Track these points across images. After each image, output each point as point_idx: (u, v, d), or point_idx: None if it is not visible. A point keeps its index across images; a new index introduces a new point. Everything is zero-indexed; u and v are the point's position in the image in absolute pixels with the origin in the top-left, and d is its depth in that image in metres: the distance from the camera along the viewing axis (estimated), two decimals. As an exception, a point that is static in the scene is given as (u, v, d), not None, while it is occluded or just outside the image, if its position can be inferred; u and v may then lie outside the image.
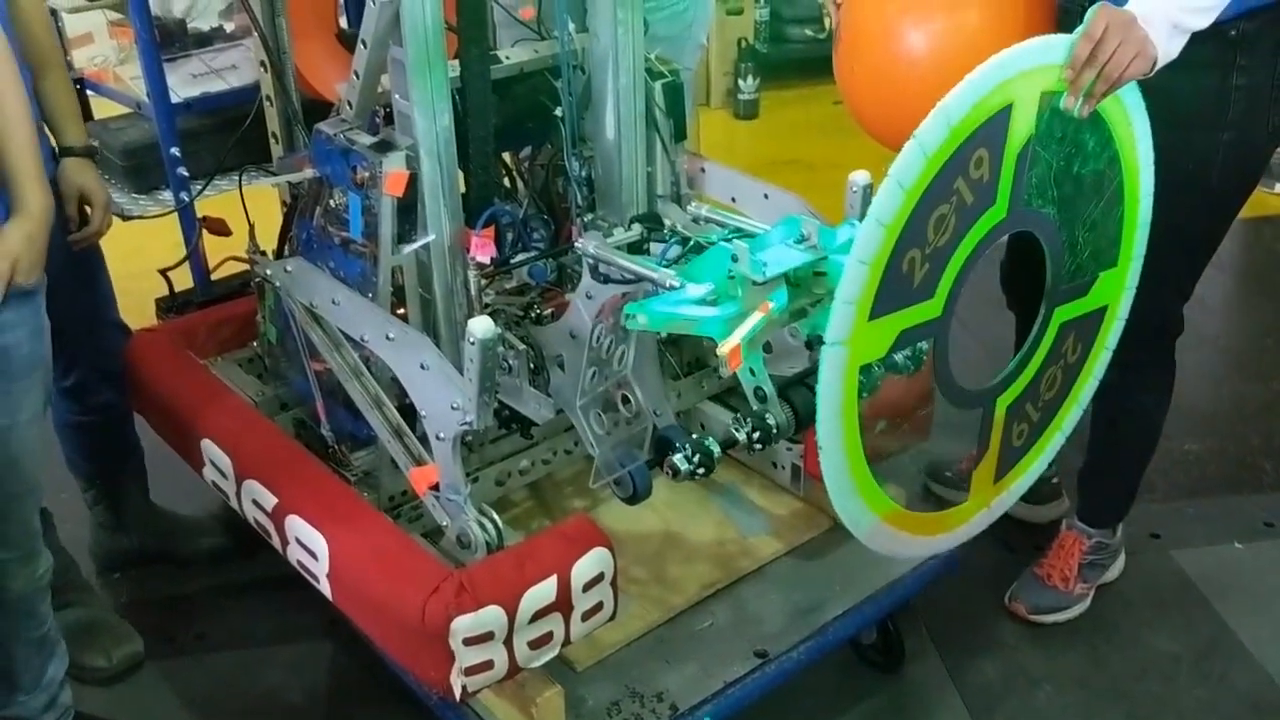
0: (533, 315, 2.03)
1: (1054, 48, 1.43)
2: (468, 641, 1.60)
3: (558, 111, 2.07)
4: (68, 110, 2.14)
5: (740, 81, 4.89)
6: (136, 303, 2.74)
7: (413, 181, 1.80)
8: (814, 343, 1.65)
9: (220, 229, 2.48)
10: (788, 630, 1.99)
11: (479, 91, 1.91)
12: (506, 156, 2.32)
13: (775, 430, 1.59)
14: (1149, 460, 2.38)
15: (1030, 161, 1.41)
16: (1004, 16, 2.05)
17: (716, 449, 1.54)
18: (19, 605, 1.79)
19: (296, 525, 1.80)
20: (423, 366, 1.68)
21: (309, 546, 1.78)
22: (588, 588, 1.70)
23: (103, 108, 2.72)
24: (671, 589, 2.07)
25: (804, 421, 1.61)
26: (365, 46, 1.78)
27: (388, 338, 1.74)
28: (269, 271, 1.97)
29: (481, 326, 1.55)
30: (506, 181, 2.37)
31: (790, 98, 5.11)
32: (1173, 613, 2.43)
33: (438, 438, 1.68)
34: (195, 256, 2.66)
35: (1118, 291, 1.66)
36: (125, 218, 2.66)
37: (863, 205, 1.78)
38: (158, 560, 2.51)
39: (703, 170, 2.19)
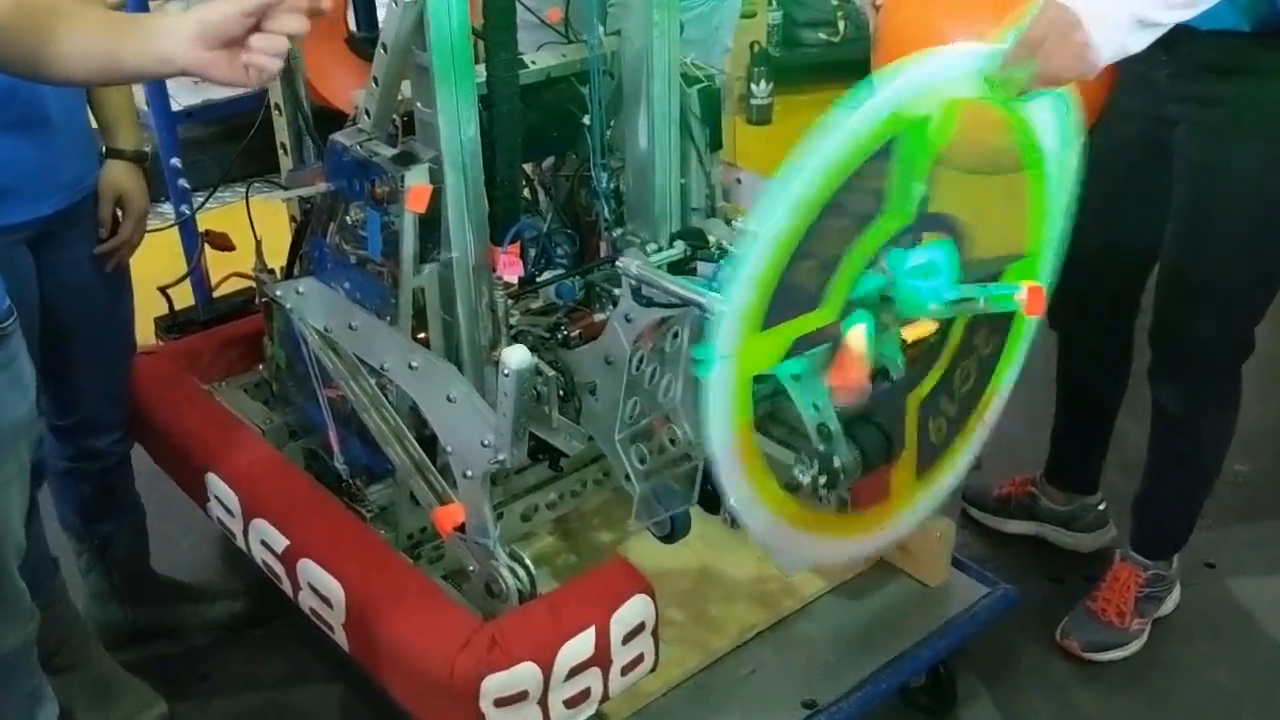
0: (560, 337, 1.90)
1: (966, 58, 1.39)
2: (499, 702, 1.47)
3: (585, 119, 1.93)
4: (123, 110, 1.99)
5: (753, 86, 4.76)
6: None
7: (436, 196, 1.66)
8: (877, 376, 1.51)
9: (223, 244, 2.35)
10: (836, 677, 1.86)
11: (507, 100, 1.77)
12: (528, 167, 2.20)
13: (843, 473, 1.46)
14: (1210, 489, 2.25)
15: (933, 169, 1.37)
16: None
17: (782, 489, 1.41)
18: (12, 662, 1.64)
19: (310, 570, 1.66)
20: (450, 399, 1.55)
21: (324, 593, 1.64)
22: (628, 639, 1.56)
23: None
24: (711, 630, 1.93)
25: (872, 463, 1.48)
26: (386, 51, 1.64)
27: (411, 366, 1.60)
28: (279, 293, 1.83)
29: (517, 357, 1.41)
30: (527, 193, 2.25)
31: (804, 103, 4.96)
32: (1232, 645, 2.30)
33: (465, 475, 1.55)
34: (197, 273, 2.54)
35: (1034, 277, 1.57)
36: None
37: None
38: (157, 636, 2.28)
39: (738, 181, 2.05)
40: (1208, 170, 1.88)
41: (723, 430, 1.33)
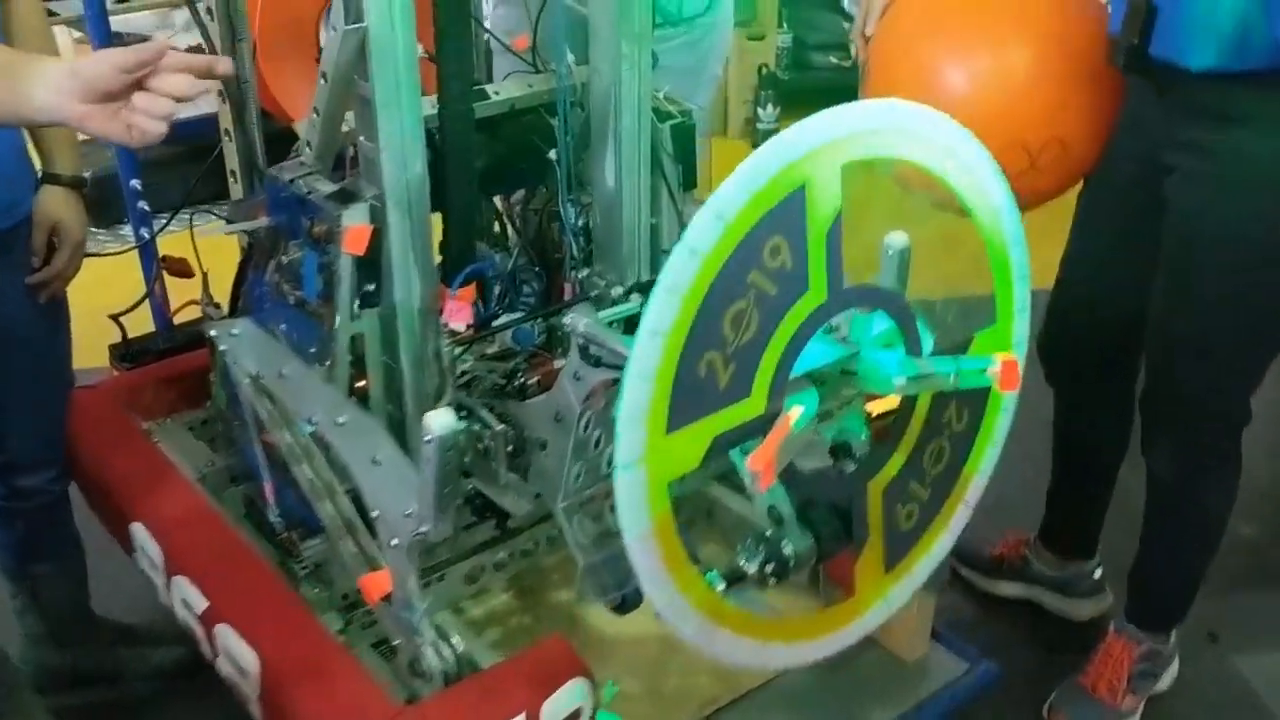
0: (516, 385, 1.78)
1: (843, 120, 1.24)
2: (416, 796, 1.34)
3: (551, 154, 1.82)
4: (62, 133, 1.87)
5: (759, 110, 4.63)
6: (89, 346, 2.49)
7: (377, 237, 1.55)
8: (839, 452, 1.39)
9: (181, 270, 2.24)
10: (801, 761, 1.73)
11: (460, 133, 1.66)
12: (497, 201, 2.08)
13: (793, 562, 1.33)
14: (1212, 558, 2.10)
15: (839, 238, 1.25)
16: (1049, 56, 1.82)
17: (720, 583, 1.28)
18: None
19: (226, 636, 1.54)
20: (375, 461, 1.43)
21: (239, 662, 1.52)
22: (563, 726, 1.44)
23: (63, 132, 2.49)
24: (669, 707, 1.80)
25: (828, 552, 1.35)
26: (326, 80, 1.52)
27: (337, 422, 1.48)
28: (214, 333, 1.71)
29: (440, 421, 1.29)
30: (496, 227, 2.13)
31: (813, 128, 4.84)
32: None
33: (391, 544, 1.42)
34: (155, 300, 2.43)
35: (1006, 347, 1.46)
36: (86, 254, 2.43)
37: (898, 272, 1.52)
38: (98, 681, 2.16)
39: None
40: (1195, 220, 1.77)
41: (641, 542, 1.20)
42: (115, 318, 2.31)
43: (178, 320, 2.41)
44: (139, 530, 1.74)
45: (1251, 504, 2.66)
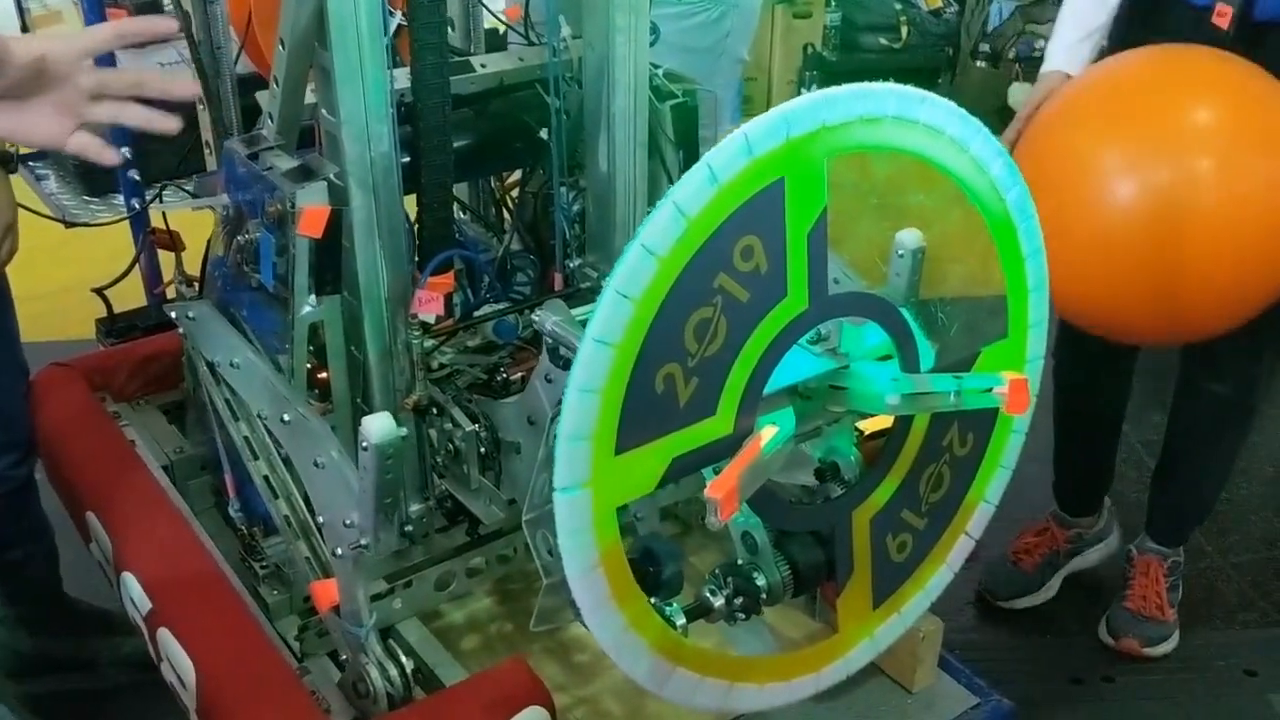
0: (499, 381, 1.66)
1: (832, 106, 1.09)
2: (348, 830, 1.23)
3: (543, 133, 1.69)
4: None
5: (804, 91, 4.45)
6: (81, 320, 2.42)
7: (336, 219, 1.43)
8: (826, 474, 1.25)
9: (171, 243, 2.15)
10: (789, 798, 1.59)
11: (433, 109, 1.53)
12: (493, 182, 1.96)
13: (765, 594, 1.20)
14: (1229, 470, 2.19)
15: (824, 240, 1.11)
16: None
17: (681, 618, 1.15)
18: None
19: (168, 642, 1.44)
20: (317, 464, 1.31)
21: (178, 671, 1.42)
22: (517, 758, 1.32)
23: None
24: (648, 733, 1.68)
25: (805, 585, 1.22)
26: (284, 47, 1.41)
27: (283, 419, 1.37)
28: (173, 314, 1.61)
29: (379, 427, 1.17)
30: (493, 211, 2.01)
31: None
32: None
33: (335, 554, 1.31)
34: (147, 274, 2.34)
35: (1018, 364, 1.31)
36: (70, 224, 2.35)
37: (910, 275, 1.38)
38: (70, 668, 2.08)
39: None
40: None
41: (585, 573, 1.07)
42: (99, 291, 2.23)
43: (170, 295, 2.33)
44: (93, 520, 1.64)
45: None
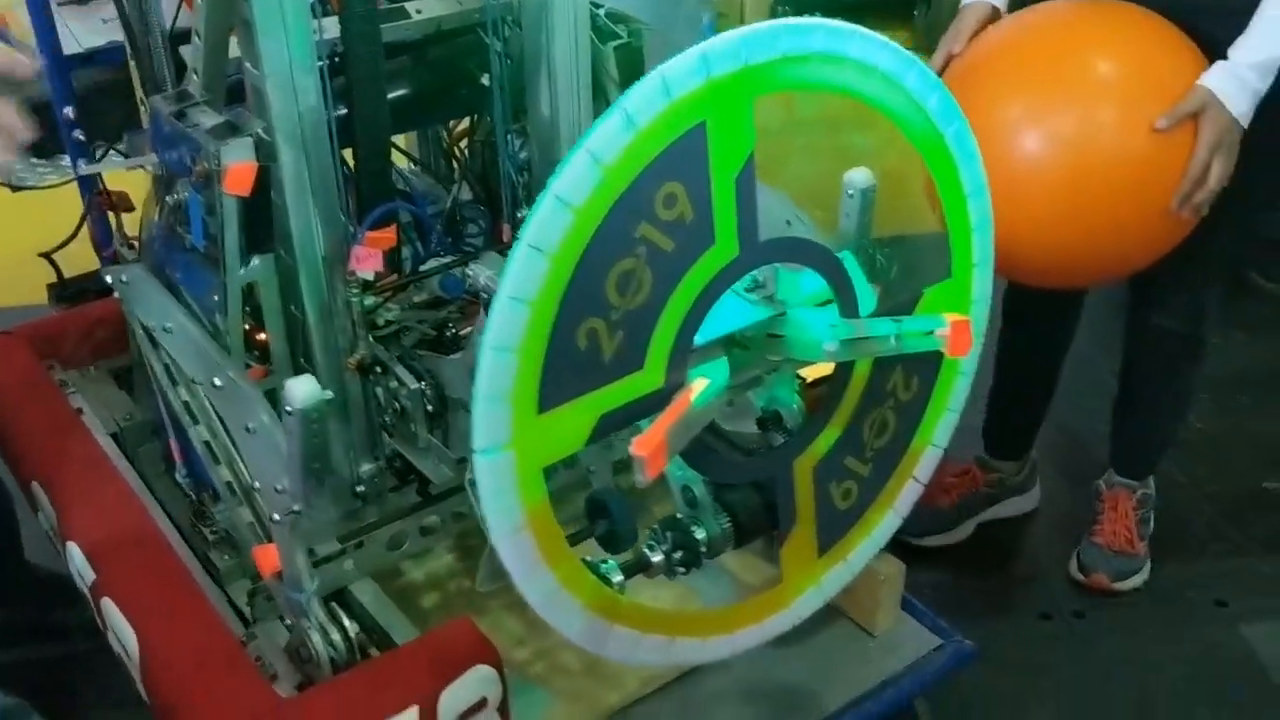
0: (449, 337, 1.63)
1: (757, 43, 1.04)
2: (291, 797, 1.22)
3: (485, 79, 1.64)
4: None
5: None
6: (32, 287, 2.38)
7: (263, 176, 1.39)
8: (769, 423, 1.22)
9: (121, 204, 2.11)
10: (746, 745, 1.59)
11: (364, 59, 1.48)
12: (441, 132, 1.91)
13: (705, 548, 1.18)
14: (1188, 400, 2.19)
15: (752, 184, 1.07)
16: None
17: (617, 575, 1.13)
18: None
19: (111, 612, 1.42)
20: (248, 429, 1.29)
21: (122, 641, 1.40)
22: (465, 717, 1.30)
23: (11, 56, 2.35)
24: (607, 684, 1.66)
25: (747, 536, 1.20)
26: (203, -1, 1.36)
27: (214, 384, 1.34)
28: (108, 278, 1.57)
29: (302, 391, 1.14)
30: (442, 162, 1.96)
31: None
32: (1242, 710, 1.99)
33: (272, 519, 1.29)
34: (97, 236, 2.29)
35: (963, 305, 1.28)
36: (17, 188, 2.30)
37: (860, 215, 1.35)
38: (33, 634, 2.06)
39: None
40: None
41: (510, 534, 1.05)
42: (47, 255, 2.19)
43: (125, 258, 2.29)
44: (38, 489, 1.62)
45: (1274, 458, 2.51)
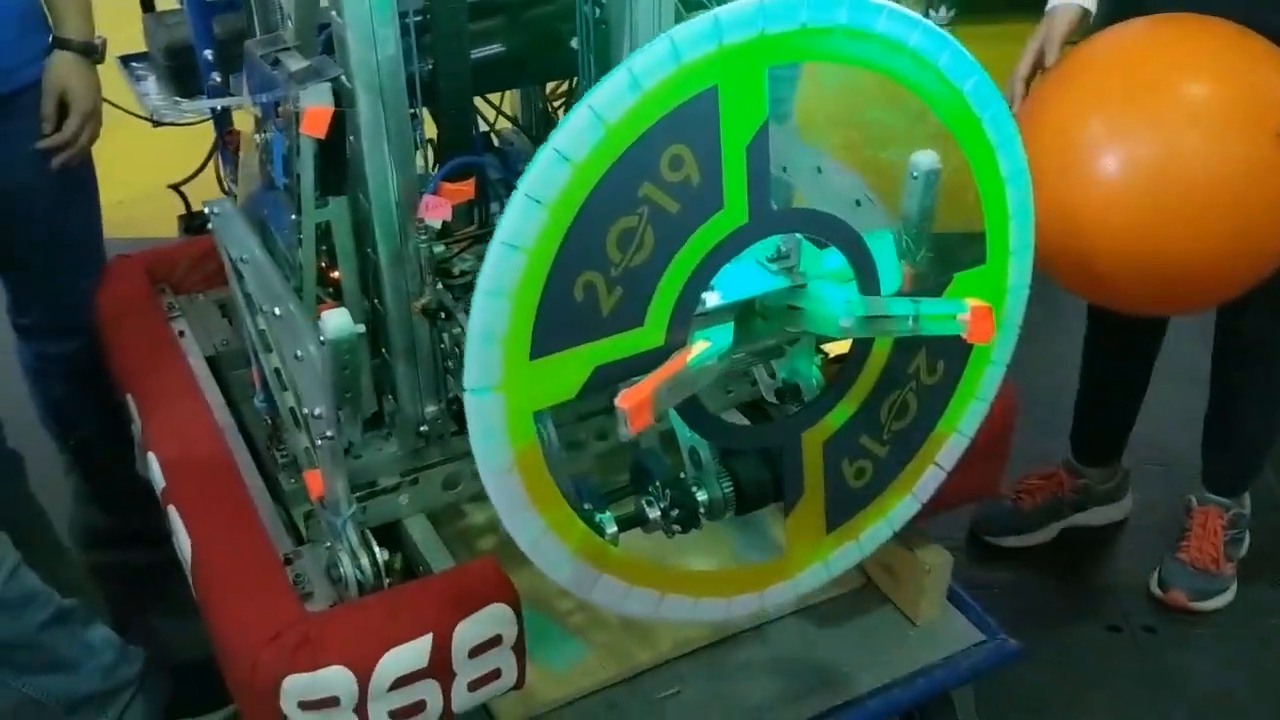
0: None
1: (776, 11, 1.05)
2: (305, 705, 1.29)
3: (574, 43, 1.68)
4: None
5: (930, 11, 4.29)
6: (169, 217, 2.53)
7: (339, 121, 1.46)
8: (786, 394, 1.24)
9: (236, 143, 2.23)
10: (768, 715, 1.60)
11: (449, 14, 1.54)
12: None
13: (705, 510, 1.20)
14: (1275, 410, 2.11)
15: (765, 153, 1.07)
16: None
17: (611, 526, 1.16)
18: None
19: (174, 519, 1.53)
20: (297, 357, 1.36)
21: (180, 546, 1.50)
22: (476, 653, 1.36)
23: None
24: (640, 641, 1.70)
25: (749, 503, 1.21)
26: (295, -52, 1.43)
27: (275, 314, 1.42)
28: (205, 209, 1.68)
29: (334, 323, 1.21)
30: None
31: (989, 34, 4.38)
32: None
33: (315, 444, 1.36)
34: (229, 172, 2.43)
35: (996, 293, 1.25)
36: (158, 123, 2.44)
37: (923, 195, 1.34)
38: (139, 541, 2.19)
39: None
40: None
41: (492, 462, 1.08)
42: (176, 187, 2.33)
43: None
44: (130, 401, 1.74)
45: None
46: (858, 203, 1.49)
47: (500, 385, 1.04)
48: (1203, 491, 2.19)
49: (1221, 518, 2.16)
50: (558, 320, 1.03)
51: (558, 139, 0.98)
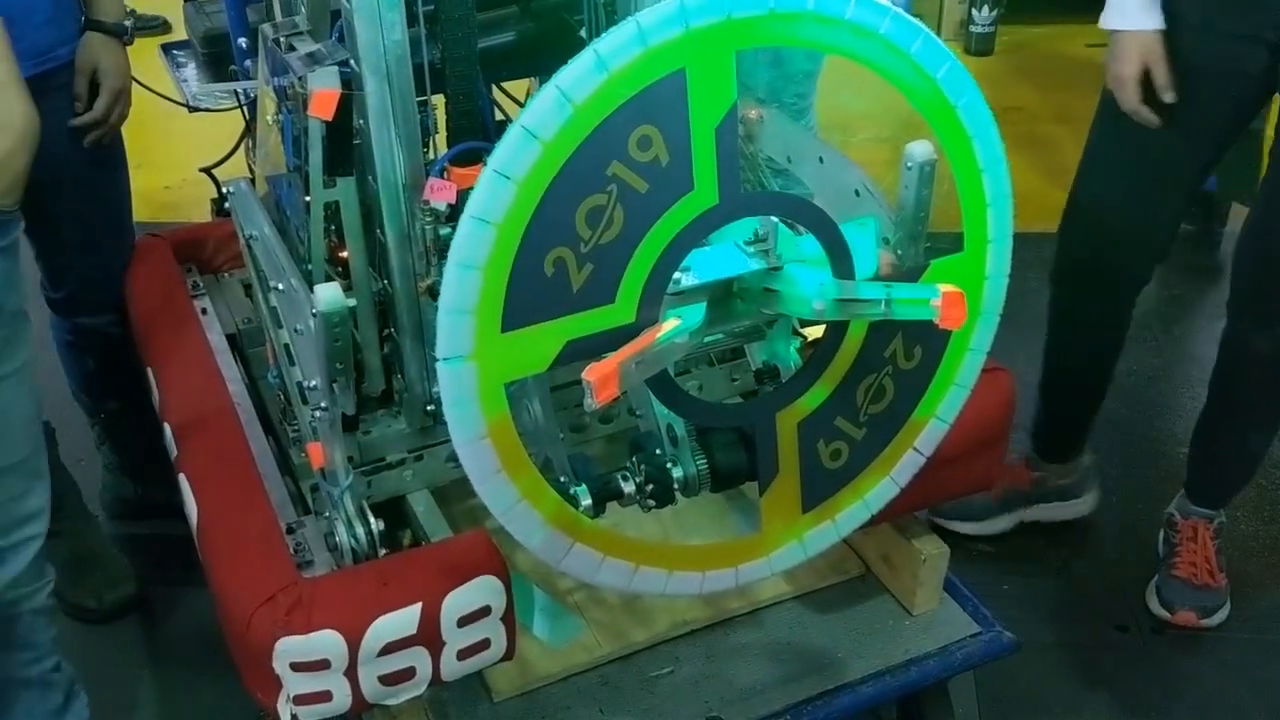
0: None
1: None
2: (296, 667, 1.34)
3: (583, 33, 1.72)
4: None
5: (974, 11, 4.28)
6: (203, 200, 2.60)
7: (346, 104, 1.50)
8: (765, 374, 1.26)
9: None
10: (754, 699, 1.62)
11: (457, 1, 1.58)
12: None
13: (680, 486, 1.22)
14: (1274, 431, 2.10)
15: (734, 135, 1.10)
16: None
17: (586, 498, 1.18)
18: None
19: (184, 486, 1.58)
20: (297, 330, 1.41)
21: (188, 512, 1.56)
22: (465, 622, 1.39)
23: (204, -13, 2.56)
24: (638, 621, 1.73)
25: (723, 481, 1.24)
26: (306, -65, 1.48)
27: (278, 289, 1.47)
28: (225, 189, 1.73)
29: (327, 297, 1.25)
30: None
31: (1034, 35, 4.44)
32: None
33: (315, 415, 1.41)
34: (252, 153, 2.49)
35: (974, 280, 1.26)
36: (194, 108, 2.51)
37: (918, 186, 1.35)
38: (168, 513, 2.19)
39: (759, 118, 1.77)
40: None
41: (464, 431, 1.11)
42: (207, 170, 2.39)
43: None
44: (150, 374, 1.80)
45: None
46: (856, 193, 1.50)
47: (472, 355, 1.07)
48: (1187, 504, 2.16)
49: (1210, 529, 2.13)
50: (529, 294, 1.07)
51: (526, 117, 1.02)
